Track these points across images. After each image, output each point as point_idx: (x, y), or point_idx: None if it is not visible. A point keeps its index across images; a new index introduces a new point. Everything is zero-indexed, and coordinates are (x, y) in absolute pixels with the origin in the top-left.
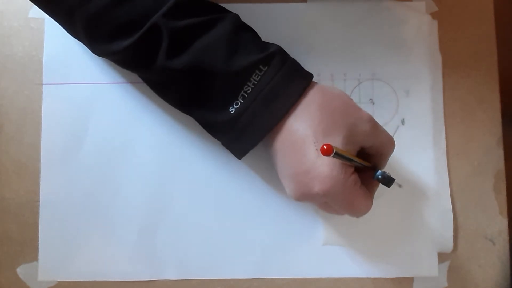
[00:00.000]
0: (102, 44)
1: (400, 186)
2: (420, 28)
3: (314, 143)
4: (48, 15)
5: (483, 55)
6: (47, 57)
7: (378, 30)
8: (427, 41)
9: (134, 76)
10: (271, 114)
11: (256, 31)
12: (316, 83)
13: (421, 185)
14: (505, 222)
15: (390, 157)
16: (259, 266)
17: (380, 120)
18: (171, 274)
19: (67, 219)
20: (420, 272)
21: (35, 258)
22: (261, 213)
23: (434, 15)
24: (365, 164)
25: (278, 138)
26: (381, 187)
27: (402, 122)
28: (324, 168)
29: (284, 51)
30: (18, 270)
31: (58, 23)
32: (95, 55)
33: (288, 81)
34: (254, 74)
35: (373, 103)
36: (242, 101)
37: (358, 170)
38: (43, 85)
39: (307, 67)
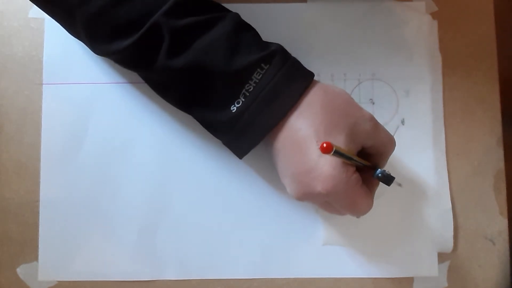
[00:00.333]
0: (102, 44)
1: (400, 185)
2: (420, 28)
3: (316, 142)
4: (48, 15)
5: (483, 55)
6: (47, 57)
7: (378, 30)
8: (427, 41)
9: (134, 76)
10: (272, 113)
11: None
12: (318, 81)
13: (421, 185)
14: (505, 222)
15: (390, 157)
16: (259, 266)
17: (380, 120)
18: (171, 274)
19: (67, 219)
20: (420, 272)
21: (35, 258)
22: (261, 213)
23: (434, 15)
24: (365, 164)
25: (279, 137)
26: (381, 186)
27: (402, 122)
28: (326, 168)
29: (285, 50)
30: (18, 270)
31: (58, 22)
32: (95, 55)
33: (289, 79)
34: (256, 72)
35: (373, 103)
36: (243, 99)
37: (359, 169)
38: (43, 85)
39: (307, 67)
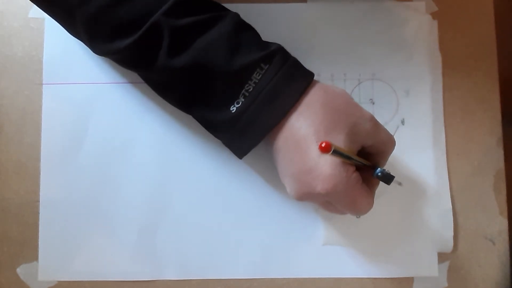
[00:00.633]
0: (102, 44)
1: (400, 184)
2: (420, 28)
3: (316, 142)
4: (48, 14)
5: (483, 55)
6: (47, 57)
7: (378, 30)
8: (427, 41)
9: (134, 76)
10: (272, 113)
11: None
12: (318, 81)
13: (421, 185)
14: (505, 222)
15: (390, 157)
16: (259, 266)
17: (380, 120)
18: (171, 274)
19: (67, 219)
20: (420, 272)
21: (35, 258)
22: (261, 213)
23: (434, 15)
24: (365, 163)
25: (279, 137)
26: (382, 186)
27: (402, 122)
28: (326, 167)
29: (285, 49)
30: (18, 270)
31: (58, 22)
32: (95, 55)
33: (289, 79)
34: (256, 72)
35: (373, 103)
36: (243, 100)
37: (359, 168)
38: (43, 85)
39: (307, 67)
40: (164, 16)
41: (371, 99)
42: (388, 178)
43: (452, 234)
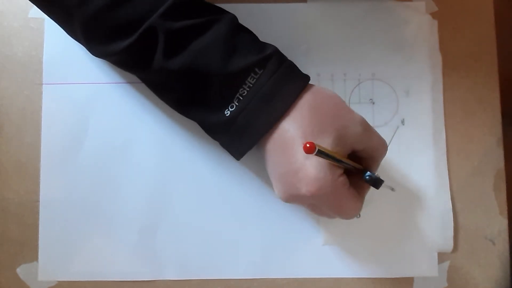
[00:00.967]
0: (100, 45)
1: (392, 189)
2: (420, 28)
3: (303, 144)
4: (47, 14)
5: (483, 55)
6: (47, 57)
7: (378, 30)
8: (427, 41)
9: (134, 76)
10: (266, 117)
11: (256, 31)
12: (312, 85)
13: (421, 185)
14: (505, 222)
15: (390, 157)
16: (259, 266)
17: (380, 120)
18: (171, 274)
19: (67, 219)
20: (420, 272)
21: (35, 258)
22: (261, 213)
23: (434, 15)
24: (355, 166)
25: (269, 139)
26: (382, 187)
27: (402, 122)
28: (312, 169)
29: (281, 53)
30: (18, 270)
31: (56, 23)
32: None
33: (283, 84)
34: (250, 77)
35: (373, 103)
36: (237, 103)
37: (349, 172)
38: (43, 85)
39: (307, 67)
40: (160, 19)
41: (371, 99)
42: (376, 182)
43: (452, 234)
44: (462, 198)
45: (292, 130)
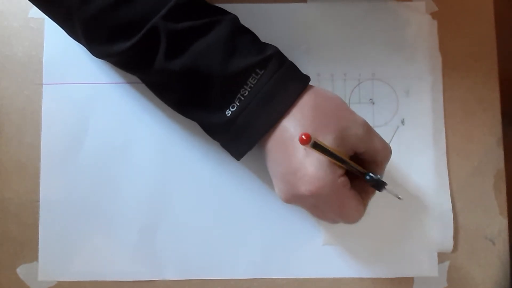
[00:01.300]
0: (100, 46)
1: (399, 198)
2: (420, 28)
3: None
4: (47, 15)
5: (483, 55)
6: (47, 57)
7: (378, 30)
8: (427, 41)
9: (134, 77)
10: (266, 117)
11: (256, 31)
12: (313, 86)
13: (421, 185)
14: (505, 222)
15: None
16: (259, 266)
17: (380, 120)
18: (171, 274)
19: (67, 219)
20: (420, 272)
21: (35, 258)
22: (262, 213)
23: (434, 15)
24: (357, 168)
25: (270, 138)
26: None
27: (402, 122)
28: (311, 168)
29: (282, 53)
30: (18, 270)
31: (57, 23)
32: None
33: (283, 84)
34: (251, 77)
35: (373, 103)
36: (238, 104)
37: (354, 176)
38: (43, 85)
39: (307, 67)
40: (162, 20)
41: (371, 99)
42: (378, 184)
43: (452, 234)
44: (462, 198)
45: (292, 129)
